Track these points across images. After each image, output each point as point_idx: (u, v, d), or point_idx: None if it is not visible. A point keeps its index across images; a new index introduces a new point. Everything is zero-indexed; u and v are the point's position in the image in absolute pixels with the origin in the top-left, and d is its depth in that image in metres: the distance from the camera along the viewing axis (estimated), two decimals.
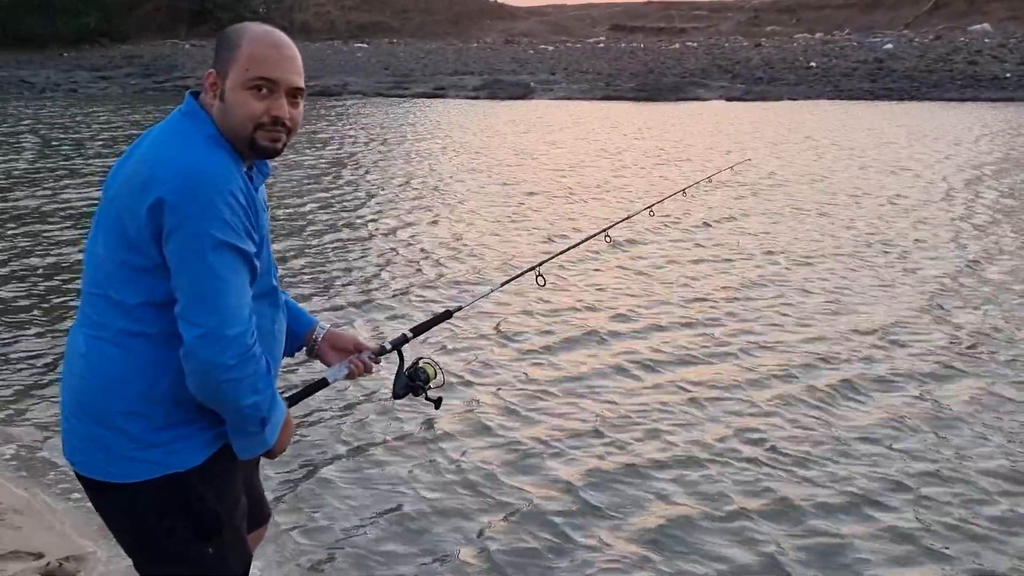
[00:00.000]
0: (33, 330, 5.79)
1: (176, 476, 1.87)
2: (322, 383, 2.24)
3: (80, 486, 1.97)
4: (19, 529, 3.25)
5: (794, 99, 27.00)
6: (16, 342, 5.56)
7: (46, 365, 5.14)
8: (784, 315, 6.13)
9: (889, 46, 36.35)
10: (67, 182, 11.69)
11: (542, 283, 2.69)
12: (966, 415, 4.47)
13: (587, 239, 3.15)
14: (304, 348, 2.27)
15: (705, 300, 6.54)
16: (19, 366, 5.16)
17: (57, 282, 6.93)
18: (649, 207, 3.46)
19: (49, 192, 10.92)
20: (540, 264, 2.75)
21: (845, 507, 3.59)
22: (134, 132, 17.25)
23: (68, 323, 5.52)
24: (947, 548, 3.28)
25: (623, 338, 5.73)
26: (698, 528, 3.45)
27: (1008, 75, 28.44)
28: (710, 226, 9.01)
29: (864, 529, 3.43)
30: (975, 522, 3.45)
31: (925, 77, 29.09)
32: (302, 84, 1.92)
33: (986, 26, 43.83)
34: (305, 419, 4.44)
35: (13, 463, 3.99)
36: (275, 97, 1.86)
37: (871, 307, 6.32)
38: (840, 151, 14.97)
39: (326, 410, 4.58)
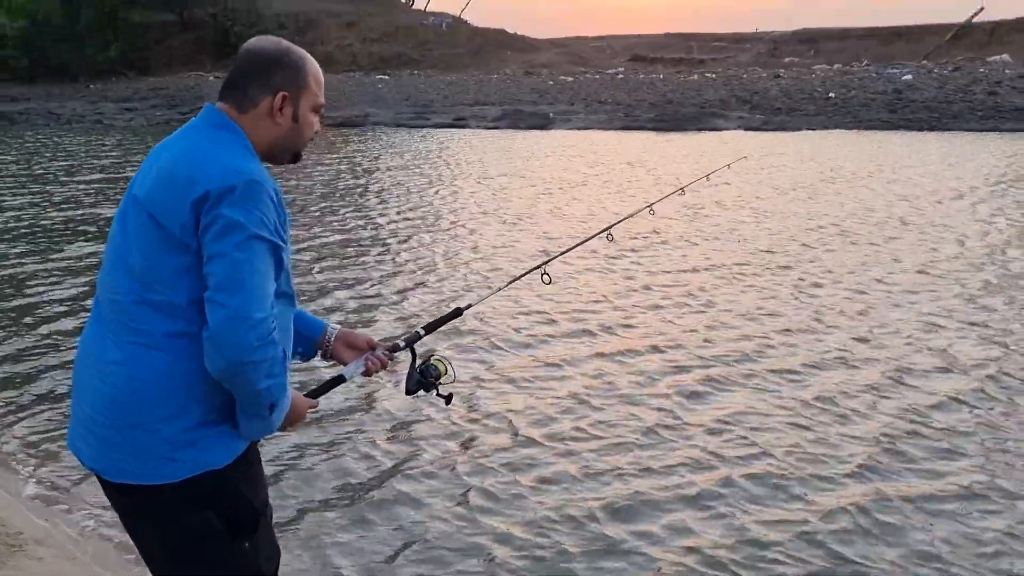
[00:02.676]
0: (53, 359, 5.87)
1: (213, 473, 1.92)
2: (339, 379, 2.32)
3: (102, 511, 2.01)
4: (41, 560, 3.27)
5: (812, 129, 27.01)
6: (36, 376, 5.64)
7: (64, 394, 5.21)
8: (807, 324, 6.14)
9: (908, 77, 36.31)
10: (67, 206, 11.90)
11: (548, 281, 2.79)
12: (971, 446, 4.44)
13: (590, 238, 3.29)
14: (319, 352, 2.35)
15: (701, 296, 7.06)
16: (37, 396, 5.23)
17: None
18: (649, 205, 3.57)
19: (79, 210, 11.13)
20: (546, 263, 2.83)
21: (863, 529, 3.58)
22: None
23: None
24: None
25: (624, 334, 6.16)
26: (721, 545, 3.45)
27: None
28: (708, 229, 9.24)
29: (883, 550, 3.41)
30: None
31: (945, 108, 29.00)
32: None
33: (1006, 57, 43.71)
34: (319, 421, 4.53)
35: (34, 493, 4.03)
36: (320, 115, 2.14)
37: (877, 308, 6.39)
38: (855, 173, 14.97)
39: (336, 412, 4.64)
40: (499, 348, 5.98)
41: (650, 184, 14.38)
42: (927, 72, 38.72)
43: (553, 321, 6.59)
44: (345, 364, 2.33)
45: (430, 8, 64.28)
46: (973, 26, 51.40)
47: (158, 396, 1.89)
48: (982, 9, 51.98)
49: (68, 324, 6.72)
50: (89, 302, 7.18)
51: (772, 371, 5.55)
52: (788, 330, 6.41)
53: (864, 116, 28.72)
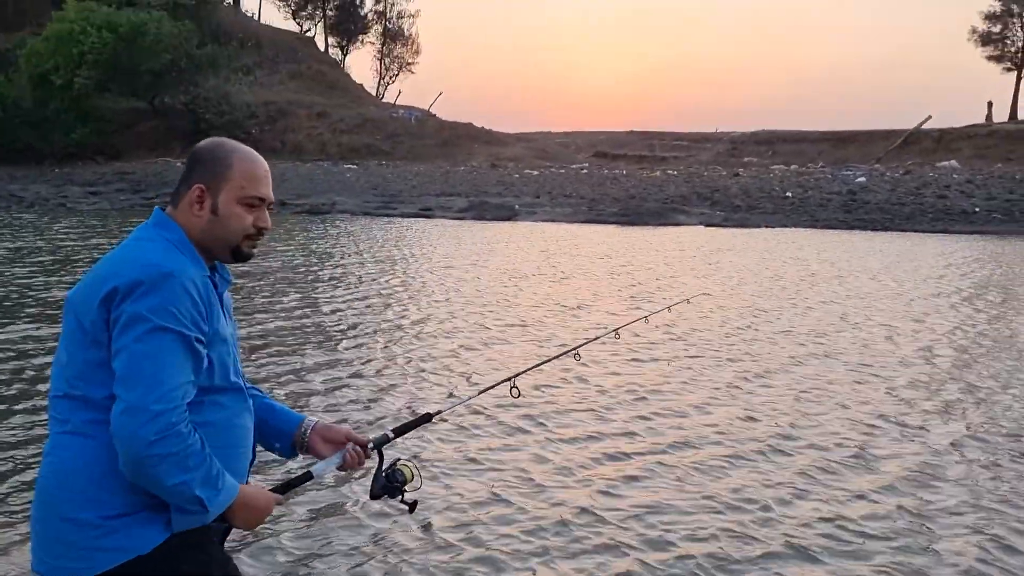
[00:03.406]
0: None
1: (144, 559, 1.88)
2: (307, 476, 2.25)
3: None
4: None
5: (771, 227, 27.69)
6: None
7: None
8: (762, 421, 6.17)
9: (862, 179, 37.59)
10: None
11: (516, 394, 2.75)
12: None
13: (559, 356, 3.26)
14: (297, 447, 2.31)
15: (666, 413, 6.80)
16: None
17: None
18: (616, 330, 3.62)
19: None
20: (515, 376, 2.80)
21: None
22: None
23: None
24: None
25: (591, 447, 5.84)
26: None
27: (977, 209, 29.39)
28: (675, 346, 9.20)
29: None
30: None
31: (897, 209, 29.99)
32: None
33: (954, 163, 45.54)
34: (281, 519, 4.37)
35: None
36: (261, 210, 2.11)
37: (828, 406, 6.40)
38: (817, 273, 15.31)
39: (295, 511, 4.51)
40: (465, 456, 5.70)
41: (618, 291, 14.54)
42: (880, 175, 40.14)
43: (521, 431, 6.29)
44: (322, 458, 2.28)
45: (400, 101, 65.66)
46: (921, 133, 53.64)
47: (82, 482, 1.88)
48: (929, 117, 54.47)
49: None
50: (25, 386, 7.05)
51: (696, 464, 5.60)
52: (716, 424, 6.51)
53: (821, 215, 29.57)
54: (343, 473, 2.21)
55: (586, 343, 3.30)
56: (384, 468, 2.30)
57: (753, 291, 13.57)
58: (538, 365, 3.20)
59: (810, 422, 6.61)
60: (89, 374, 1.90)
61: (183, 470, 1.85)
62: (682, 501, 5.00)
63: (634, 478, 5.35)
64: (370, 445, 2.34)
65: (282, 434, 2.29)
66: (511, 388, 2.74)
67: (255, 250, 2.14)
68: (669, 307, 4.67)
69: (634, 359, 8.64)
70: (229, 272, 2.21)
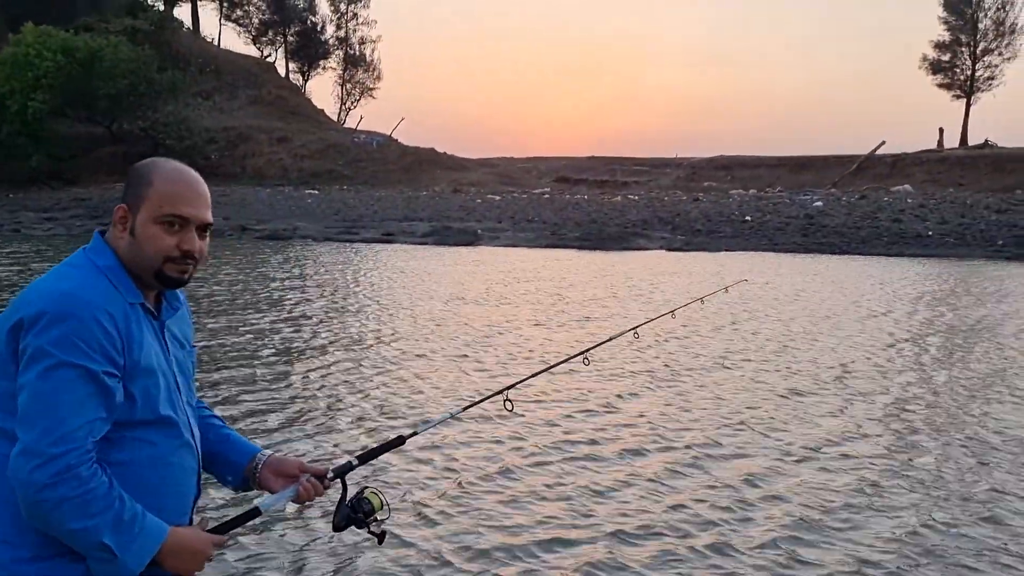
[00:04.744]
0: None
1: None
2: (254, 512, 2.11)
3: None
4: None
5: (730, 250, 28.02)
6: None
7: None
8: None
9: (819, 203, 38.24)
10: None
11: (511, 408, 2.63)
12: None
13: (562, 362, 3.25)
14: (248, 480, 2.19)
15: (654, 423, 6.83)
16: None
17: None
18: (635, 328, 3.67)
19: None
20: (509, 388, 2.67)
21: None
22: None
23: None
24: None
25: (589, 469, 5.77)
26: None
27: (930, 233, 30.02)
28: (649, 360, 9.26)
29: None
30: None
31: (853, 233, 30.52)
32: (211, 219, 2.02)
33: (907, 187, 46.55)
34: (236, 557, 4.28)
35: None
36: (186, 232, 1.95)
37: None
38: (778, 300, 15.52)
39: (258, 543, 4.42)
40: (443, 481, 5.59)
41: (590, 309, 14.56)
42: (836, 199, 40.87)
43: (520, 450, 6.23)
44: (273, 493, 2.15)
45: (362, 127, 65.60)
46: (876, 158, 54.80)
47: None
48: (883, 143, 55.71)
49: None
50: None
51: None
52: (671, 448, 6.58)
53: (779, 239, 29.99)
54: (299, 506, 2.10)
55: (554, 366, 3.30)
56: (349, 498, 2.19)
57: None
58: (536, 374, 3.14)
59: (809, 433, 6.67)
60: (7, 405, 1.81)
61: (84, 516, 1.75)
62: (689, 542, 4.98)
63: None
64: (330, 475, 2.22)
65: (234, 466, 2.19)
66: (504, 401, 2.62)
67: (187, 276, 1.98)
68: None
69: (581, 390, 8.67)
70: (179, 299, 2.10)
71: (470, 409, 2.75)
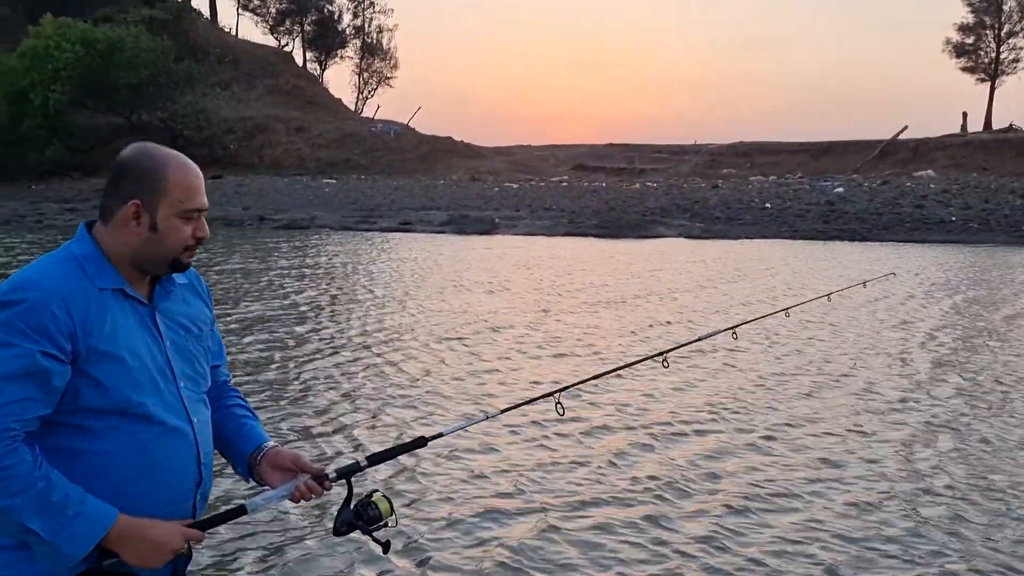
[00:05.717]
0: None
1: None
2: (239, 511, 2.01)
3: None
4: None
5: (750, 238, 27.80)
6: None
7: None
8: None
9: (840, 189, 37.85)
10: None
11: (562, 412, 2.47)
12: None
13: (639, 360, 3.07)
14: (251, 470, 2.13)
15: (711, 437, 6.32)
16: None
17: None
18: (786, 309, 3.46)
19: None
20: (561, 390, 2.50)
21: None
22: None
23: None
24: None
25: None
26: None
27: (953, 218, 29.67)
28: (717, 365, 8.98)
29: None
30: None
31: (875, 219, 30.20)
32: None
33: (930, 172, 46.00)
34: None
35: None
36: (199, 221, 2.02)
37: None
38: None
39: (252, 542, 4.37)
40: (465, 490, 5.14)
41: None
42: (857, 185, 40.45)
43: (565, 460, 5.64)
44: (272, 488, 2.06)
45: (379, 116, 65.61)
46: (898, 143, 54.18)
47: None
48: (906, 128, 55.04)
49: None
50: None
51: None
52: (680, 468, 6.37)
53: (800, 226, 29.73)
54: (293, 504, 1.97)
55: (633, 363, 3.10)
56: (355, 501, 2.04)
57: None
58: (586, 380, 2.93)
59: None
60: None
61: (6, 493, 1.73)
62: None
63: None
64: (332, 475, 2.09)
65: (241, 456, 2.13)
66: (556, 404, 2.47)
67: (192, 258, 2.06)
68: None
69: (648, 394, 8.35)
70: (175, 282, 2.09)
71: (509, 412, 2.54)
